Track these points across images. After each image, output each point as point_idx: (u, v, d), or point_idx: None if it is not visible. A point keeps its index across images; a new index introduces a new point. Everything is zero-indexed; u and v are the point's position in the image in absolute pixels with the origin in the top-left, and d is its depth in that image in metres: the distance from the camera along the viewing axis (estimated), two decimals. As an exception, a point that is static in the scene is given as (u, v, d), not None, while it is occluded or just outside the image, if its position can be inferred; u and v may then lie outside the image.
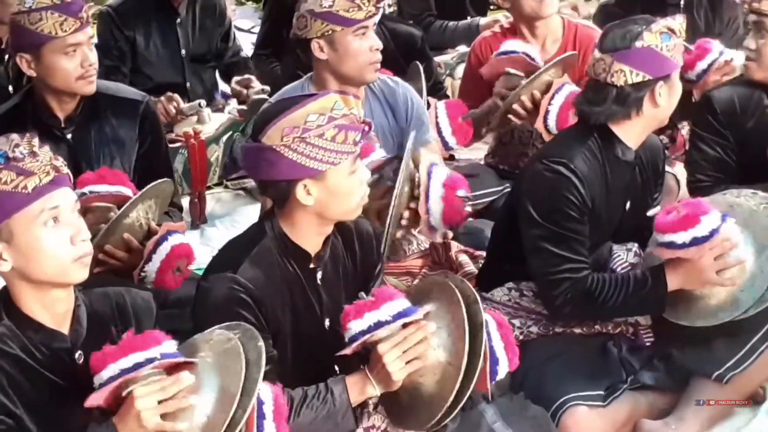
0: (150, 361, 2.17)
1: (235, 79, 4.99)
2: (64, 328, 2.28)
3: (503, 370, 2.65)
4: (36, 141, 2.21)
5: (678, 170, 4.32)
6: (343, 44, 3.48)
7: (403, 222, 3.33)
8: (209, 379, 2.23)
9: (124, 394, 2.18)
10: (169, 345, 2.22)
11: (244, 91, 4.94)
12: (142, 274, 3.03)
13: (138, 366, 2.16)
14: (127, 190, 3.14)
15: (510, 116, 3.71)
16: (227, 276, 2.55)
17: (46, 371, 2.26)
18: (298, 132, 2.47)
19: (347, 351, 2.56)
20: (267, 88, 4.91)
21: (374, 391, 2.59)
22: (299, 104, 2.50)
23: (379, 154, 3.41)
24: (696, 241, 2.90)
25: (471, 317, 2.55)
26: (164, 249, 3.03)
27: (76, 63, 3.27)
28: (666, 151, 4.18)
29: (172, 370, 2.22)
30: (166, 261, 3.03)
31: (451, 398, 2.53)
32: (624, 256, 3.19)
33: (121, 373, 2.16)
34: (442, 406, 2.54)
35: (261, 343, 2.30)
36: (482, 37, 4.36)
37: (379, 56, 3.53)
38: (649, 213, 3.27)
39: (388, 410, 2.68)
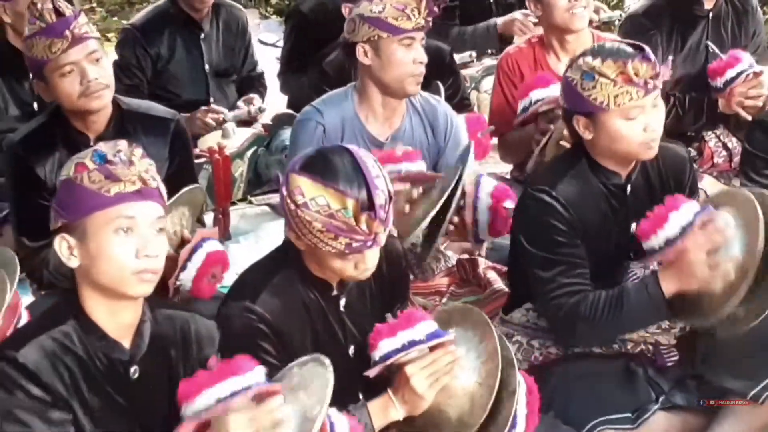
0: (245, 389, 2.20)
1: (242, 99, 5.02)
2: (126, 341, 2.31)
3: None
4: (138, 152, 2.28)
5: (706, 184, 4.26)
6: (387, 52, 3.47)
7: (451, 228, 3.32)
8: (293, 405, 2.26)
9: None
10: (260, 372, 2.25)
11: (246, 109, 4.95)
12: (178, 282, 3.00)
13: (234, 394, 2.19)
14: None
15: (563, 143, 3.65)
16: (245, 305, 2.54)
17: (102, 380, 2.28)
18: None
19: (373, 372, 2.54)
20: (264, 106, 4.98)
21: (397, 414, 2.57)
22: None
23: (421, 166, 3.39)
24: (669, 242, 2.84)
25: (505, 378, 2.55)
26: (200, 256, 3.01)
27: (74, 81, 3.24)
28: (694, 164, 4.13)
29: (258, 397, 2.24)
30: (202, 268, 3.01)
31: (481, 421, 2.51)
32: (640, 274, 3.13)
33: (216, 402, 2.19)
34: (471, 429, 2.53)
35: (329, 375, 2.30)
36: (507, 54, 4.32)
37: (422, 70, 3.51)
38: None
39: None
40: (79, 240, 2.24)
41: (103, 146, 2.27)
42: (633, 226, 3.09)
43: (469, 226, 3.30)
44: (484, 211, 3.29)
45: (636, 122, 2.95)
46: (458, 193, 3.23)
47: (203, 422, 2.21)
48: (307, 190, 2.45)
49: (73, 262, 2.26)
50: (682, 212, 2.85)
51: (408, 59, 3.47)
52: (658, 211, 2.88)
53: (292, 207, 2.47)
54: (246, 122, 4.99)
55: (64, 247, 2.25)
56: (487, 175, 3.42)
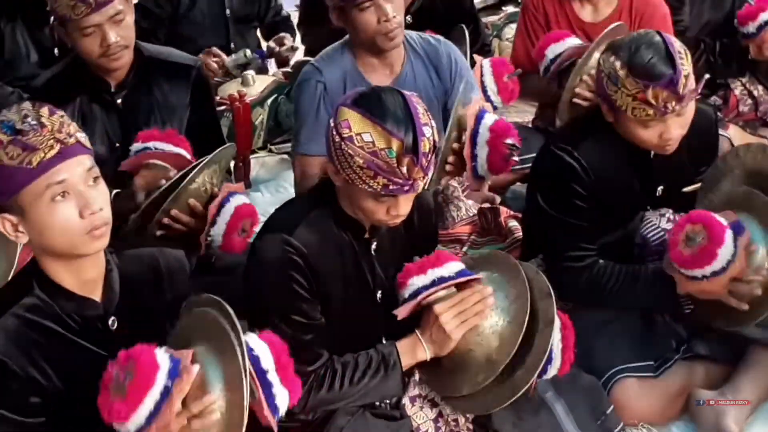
0: (167, 390, 2.08)
1: (272, 39, 4.99)
2: (96, 295, 2.27)
3: (553, 371, 2.64)
4: (45, 110, 2.17)
5: (732, 133, 4.23)
6: (351, 17, 3.40)
7: (448, 168, 3.27)
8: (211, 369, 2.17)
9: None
10: (163, 357, 2.12)
11: (277, 49, 4.92)
12: (209, 238, 3.01)
13: (162, 395, 2.08)
14: (187, 155, 3.13)
15: (577, 101, 3.60)
16: (282, 237, 2.53)
17: (81, 340, 2.24)
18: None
19: (403, 311, 2.56)
20: (297, 45, 4.91)
21: (425, 354, 2.60)
22: None
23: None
24: (715, 274, 2.78)
25: (542, 309, 2.56)
26: (228, 210, 3.01)
27: (95, 42, 3.21)
28: (719, 113, 4.10)
29: None
30: (231, 222, 3.00)
31: (508, 359, 2.52)
32: (656, 221, 3.10)
33: (151, 414, 2.08)
34: (497, 369, 2.53)
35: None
36: None
37: (392, 26, 3.37)
38: (685, 189, 3.18)
39: (433, 381, 2.68)
40: (20, 216, 2.17)
41: (7, 114, 2.16)
42: (659, 189, 3.07)
43: (467, 161, 3.21)
44: (482, 146, 3.19)
45: (652, 129, 2.88)
46: (448, 129, 3.17)
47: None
48: (355, 124, 2.43)
49: (22, 239, 2.19)
50: (726, 248, 2.75)
51: (371, 22, 3.36)
52: (702, 245, 2.76)
53: (337, 139, 2.44)
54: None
55: (8, 227, 2.19)
56: (490, 112, 3.33)
